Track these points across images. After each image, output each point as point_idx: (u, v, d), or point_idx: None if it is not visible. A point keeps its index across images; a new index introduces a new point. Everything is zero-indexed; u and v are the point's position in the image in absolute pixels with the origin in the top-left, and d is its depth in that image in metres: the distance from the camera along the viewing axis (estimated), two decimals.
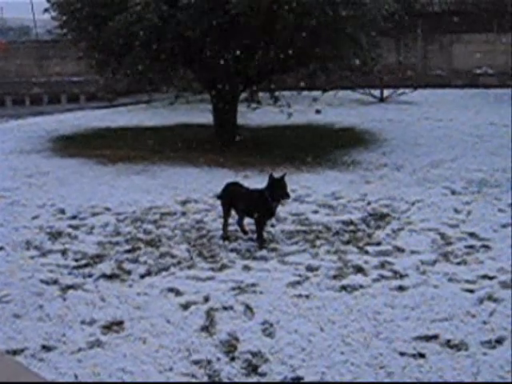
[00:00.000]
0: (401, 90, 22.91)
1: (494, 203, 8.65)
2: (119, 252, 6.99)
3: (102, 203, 9.01)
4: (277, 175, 7.21)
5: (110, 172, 11.20)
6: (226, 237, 7.36)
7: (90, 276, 6.31)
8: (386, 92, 22.88)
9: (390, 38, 23.28)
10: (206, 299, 5.65)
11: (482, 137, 14.24)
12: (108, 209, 8.75)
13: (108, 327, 5.17)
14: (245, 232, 7.44)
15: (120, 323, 5.23)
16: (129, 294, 5.81)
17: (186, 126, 17.03)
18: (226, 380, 4.38)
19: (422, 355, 4.61)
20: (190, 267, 6.50)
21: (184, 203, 8.98)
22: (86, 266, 6.60)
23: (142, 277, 6.26)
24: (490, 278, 6.01)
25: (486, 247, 6.90)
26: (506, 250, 6.70)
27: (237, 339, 4.91)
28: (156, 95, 20.79)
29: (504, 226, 7.59)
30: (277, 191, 7.08)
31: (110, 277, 6.28)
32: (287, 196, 7.15)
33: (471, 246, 6.95)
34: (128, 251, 7.02)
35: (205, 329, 5.09)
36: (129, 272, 6.39)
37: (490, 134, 14.68)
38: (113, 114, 20.95)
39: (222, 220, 7.62)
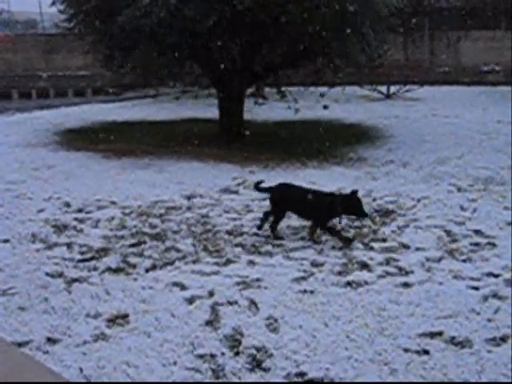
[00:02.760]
0: (407, 87, 22.88)
1: (499, 201, 8.64)
2: (124, 246, 7.00)
3: (107, 197, 9.02)
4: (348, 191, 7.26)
5: (115, 166, 11.21)
6: (278, 236, 7.23)
7: (96, 269, 6.32)
8: (392, 88, 22.85)
9: (397, 35, 23.22)
10: (211, 294, 5.66)
11: (488, 134, 14.21)
12: (114, 202, 8.77)
13: (113, 320, 5.18)
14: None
15: (125, 317, 5.24)
16: (134, 288, 5.82)
17: (193, 120, 17.02)
18: (230, 374, 4.38)
19: (426, 352, 4.61)
20: (195, 261, 6.51)
21: (189, 198, 8.99)
22: (91, 259, 6.62)
23: (147, 271, 6.27)
24: (495, 276, 6.00)
25: (492, 245, 6.90)
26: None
27: (241, 334, 4.91)
28: (163, 89, 20.82)
29: (509, 224, 7.58)
30: (351, 207, 7.03)
31: (115, 270, 6.29)
32: (363, 214, 7.11)
33: (477, 244, 6.94)
34: (133, 245, 7.03)
35: (209, 323, 5.10)
36: (134, 266, 6.40)
37: (496, 131, 14.65)
38: (119, 108, 20.96)
39: (227, 215, 7.62)
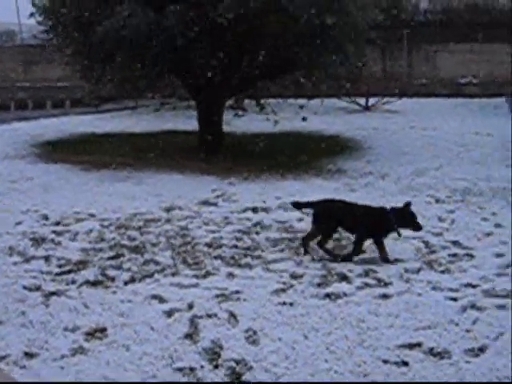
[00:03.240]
0: (386, 99, 23.03)
1: (477, 212, 8.71)
2: (103, 258, 6.96)
3: (86, 209, 8.96)
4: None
5: (94, 178, 11.16)
6: (329, 252, 6.99)
7: (74, 282, 6.27)
8: (371, 100, 22.98)
9: (375, 47, 23.40)
10: (190, 306, 5.63)
11: (466, 146, 14.32)
12: (92, 215, 8.71)
13: (91, 334, 5.13)
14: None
15: (103, 330, 5.20)
16: (112, 301, 5.78)
17: (172, 132, 16.97)
18: None
19: (405, 363, 4.62)
20: (174, 274, 6.48)
21: (169, 210, 8.96)
22: (69, 272, 6.56)
23: (126, 283, 6.24)
24: (474, 287, 6.04)
25: (470, 256, 6.94)
26: (489, 259, 6.74)
27: (220, 347, 4.89)
28: (142, 101, 20.77)
29: (487, 235, 7.64)
30: (405, 220, 6.90)
31: (94, 283, 6.25)
32: (418, 227, 6.98)
33: (455, 255, 6.99)
34: (112, 258, 6.99)
35: (188, 336, 5.08)
36: (112, 279, 6.36)
37: (474, 143, 14.77)
38: (98, 119, 20.86)
39: (206, 227, 7.60)
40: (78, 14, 12.34)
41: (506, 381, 4.36)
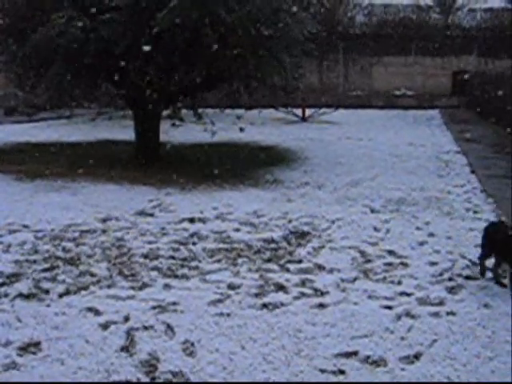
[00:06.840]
0: (322, 110, 23.31)
1: (411, 221, 8.86)
2: (37, 271, 6.81)
3: (19, 220, 8.76)
4: None
5: (28, 188, 10.93)
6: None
7: (6, 296, 6.12)
8: (307, 111, 23.22)
9: (312, 59, 23.71)
10: (126, 319, 5.56)
11: (400, 156, 14.62)
12: (26, 226, 8.52)
13: (24, 349, 5.01)
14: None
15: (37, 344, 5.08)
16: (46, 314, 5.66)
17: (108, 142, 16.82)
18: None
19: (342, 372, 4.66)
20: (109, 286, 6.39)
21: (104, 221, 8.83)
22: (1, 285, 6.40)
23: (61, 296, 6.12)
24: (408, 295, 6.13)
25: (404, 264, 7.05)
26: (423, 267, 6.86)
27: (157, 359, 4.84)
28: (78, 110, 20.52)
29: (421, 244, 7.77)
30: None
31: (27, 296, 6.11)
32: None
33: (390, 264, 7.08)
34: (46, 270, 6.85)
35: (125, 349, 5.01)
36: (47, 291, 6.23)
37: (407, 153, 15.10)
38: (33, 128, 20.51)
39: (143, 238, 7.51)
40: (13, 21, 12.13)
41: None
